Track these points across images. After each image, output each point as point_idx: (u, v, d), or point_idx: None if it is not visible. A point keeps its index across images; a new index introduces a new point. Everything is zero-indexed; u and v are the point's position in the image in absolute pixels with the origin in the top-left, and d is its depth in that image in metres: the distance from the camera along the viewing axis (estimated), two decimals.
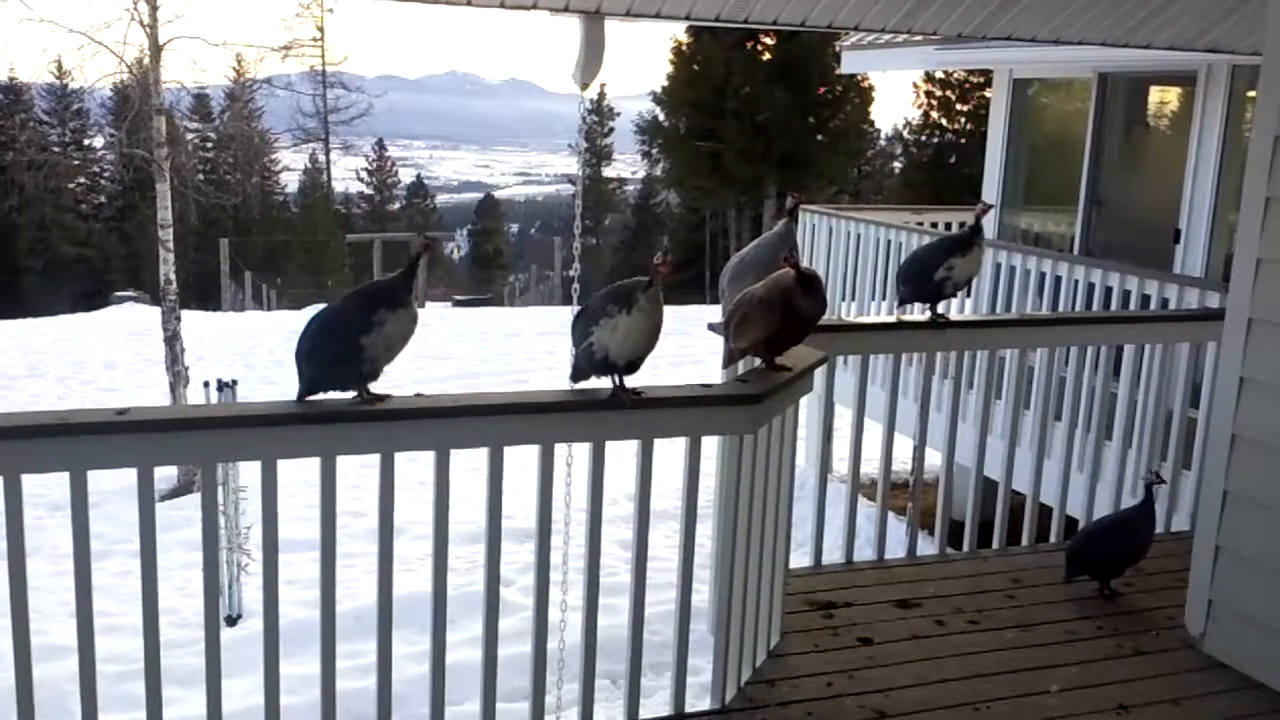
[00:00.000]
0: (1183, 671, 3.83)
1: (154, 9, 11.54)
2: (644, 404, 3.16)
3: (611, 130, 49.52)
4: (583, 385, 3.25)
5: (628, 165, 50.26)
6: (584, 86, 4.01)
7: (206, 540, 2.89)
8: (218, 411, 3.26)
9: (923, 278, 4.50)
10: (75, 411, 2.82)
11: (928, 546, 5.03)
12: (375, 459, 3.02)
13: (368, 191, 50.42)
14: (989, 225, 9.48)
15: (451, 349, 17.83)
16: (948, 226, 9.87)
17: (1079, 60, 8.06)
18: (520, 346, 18.42)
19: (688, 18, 4.09)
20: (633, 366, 3.14)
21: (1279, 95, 3.65)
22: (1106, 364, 5.07)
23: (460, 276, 47.95)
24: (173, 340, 11.42)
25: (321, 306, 3.16)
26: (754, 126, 30.53)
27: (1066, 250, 8.64)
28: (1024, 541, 4.95)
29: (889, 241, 8.48)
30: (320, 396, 2.96)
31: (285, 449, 2.89)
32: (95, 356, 17.66)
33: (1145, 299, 6.27)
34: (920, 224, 9.35)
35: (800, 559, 4.72)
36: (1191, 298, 5.99)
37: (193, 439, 2.80)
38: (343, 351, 2.87)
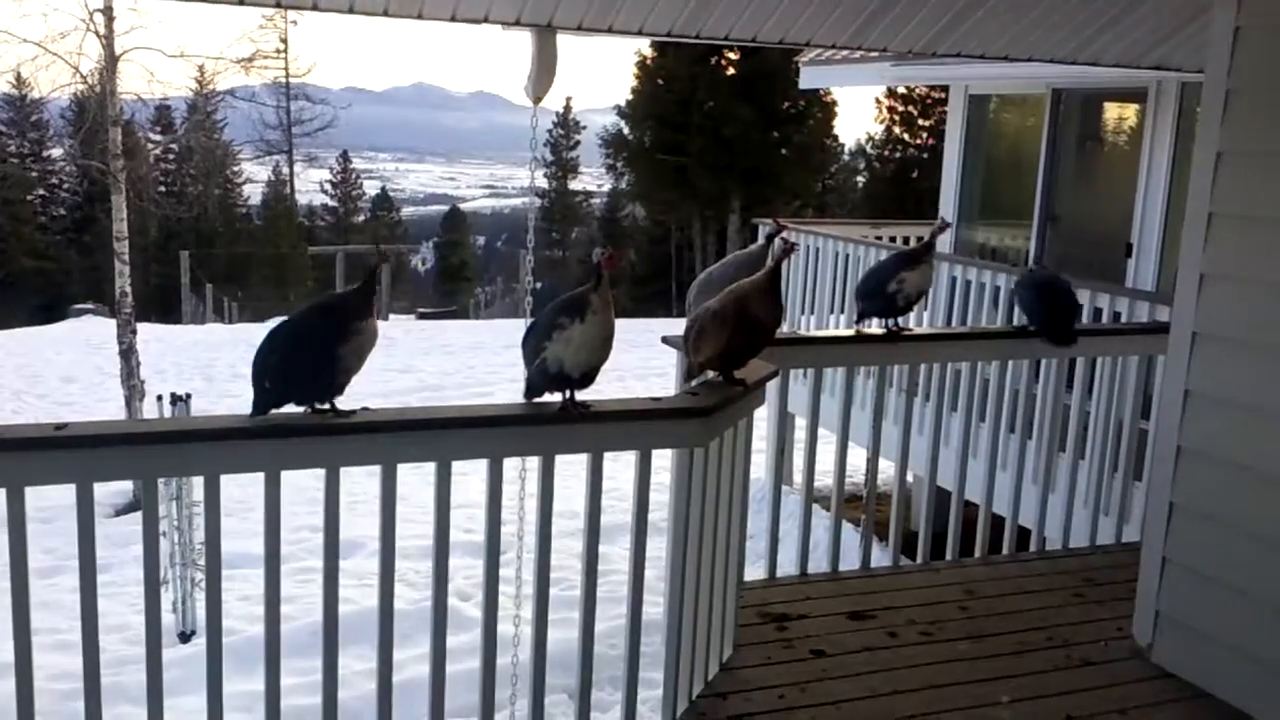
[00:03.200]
0: (1130, 682, 3.87)
1: (110, 20, 11.42)
2: (593, 417, 3.15)
3: (577, 143, 49.59)
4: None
5: (594, 178, 50.35)
6: (537, 100, 4.02)
7: (147, 557, 2.85)
8: (158, 426, 3.21)
9: (876, 292, 4.57)
10: (12, 427, 2.78)
11: (884, 557, 5.06)
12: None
13: (332, 204, 50.14)
14: (946, 239, 9.59)
15: (414, 362, 17.75)
16: (905, 240, 9.96)
17: (1033, 76, 8.17)
18: (484, 359, 18.36)
19: (640, 32, 4.11)
20: (587, 379, 3.13)
21: (1221, 113, 3.72)
22: (1059, 376, 5.13)
23: (426, 289, 47.77)
24: (128, 353, 11.28)
25: (280, 320, 3.14)
26: (718, 140, 30.71)
27: (1022, 264, 8.73)
28: (977, 553, 4.98)
29: (847, 255, 8.55)
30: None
31: (228, 464, 2.86)
32: (52, 370, 17.42)
33: (1098, 312, 6.35)
34: (879, 238, 9.42)
35: (759, 571, 4.73)
36: (1142, 311, 6.07)
37: (133, 454, 2.76)
38: (318, 363, 2.85)
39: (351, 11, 3.63)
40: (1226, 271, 3.73)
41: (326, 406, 2.93)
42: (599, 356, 3.09)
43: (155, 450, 2.79)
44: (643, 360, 16.26)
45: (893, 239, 9.80)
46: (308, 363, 2.87)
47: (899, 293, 4.45)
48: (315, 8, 3.64)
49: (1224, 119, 3.70)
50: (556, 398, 3.18)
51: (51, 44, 12.21)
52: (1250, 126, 3.64)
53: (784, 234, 4.00)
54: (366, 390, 3.00)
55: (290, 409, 2.94)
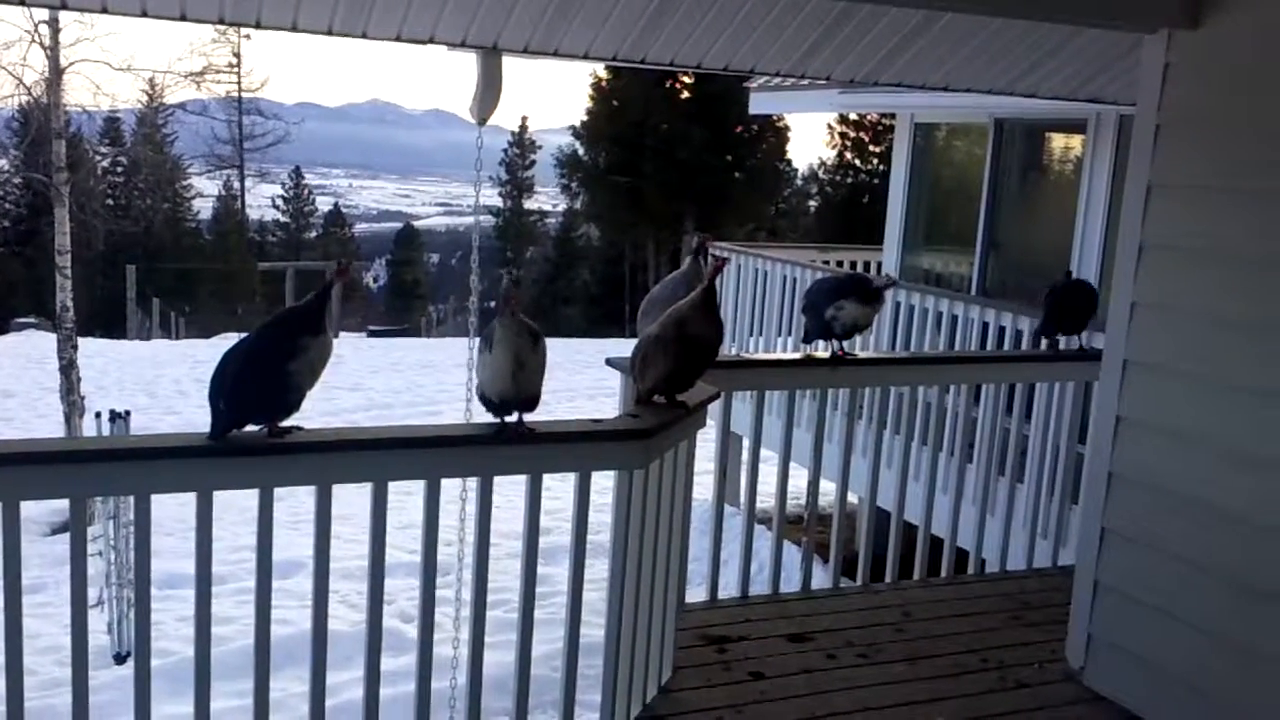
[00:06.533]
0: (1063, 704, 3.92)
1: (55, 32, 11.27)
2: (531, 438, 3.15)
3: (533, 163, 49.61)
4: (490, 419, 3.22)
5: (549, 198, 50.36)
6: (482, 121, 4.04)
7: (75, 577, 2.80)
8: (87, 445, 3.17)
9: (817, 310, 4.62)
10: None
11: (825, 579, 5.09)
12: (283, 490, 2.98)
13: (284, 220, 49.68)
14: (891, 265, 9.74)
15: (364, 380, 17.60)
16: (853, 265, 10.09)
17: (976, 106, 8.32)
18: (434, 378, 18.24)
19: (585, 56, 4.14)
20: (518, 405, 3.10)
21: (1151, 146, 3.82)
22: (998, 401, 5.21)
23: (378, 307, 47.45)
24: (68, 369, 11.09)
25: (234, 341, 3.12)
26: (672, 163, 30.92)
27: (965, 290, 8.86)
28: (916, 574, 5.03)
29: (795, 279, 8.63)
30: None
31: (158, 484, 2.82)
32: None
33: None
34: (826, 262, 9.54)
35: (701, 593, 4.74)
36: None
37: (60, 473, 2.71)
38: (271, 380, 2.83)
39: (295, 30, 3.63)
40: (1156, 301, 3.82)
41: (286, 424, 2.91)
42: (511, 388, 3.04)
43: (83, 469, 2.75)
44: (595, 381, 16.26)
45: (840, 263, 9.93)
46: (259, 381, 2.85)
47: (835, 320, 4.51)
48: (259, 25, 3.64)
49: (1154, 152, 3.80)
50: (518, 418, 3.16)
51: None
52: (1179, 160, 3.74)
53: (709, 247, 4.04)
54: (313, 409, 2.98)
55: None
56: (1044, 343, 5.38)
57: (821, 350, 4.75)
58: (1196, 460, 3.67)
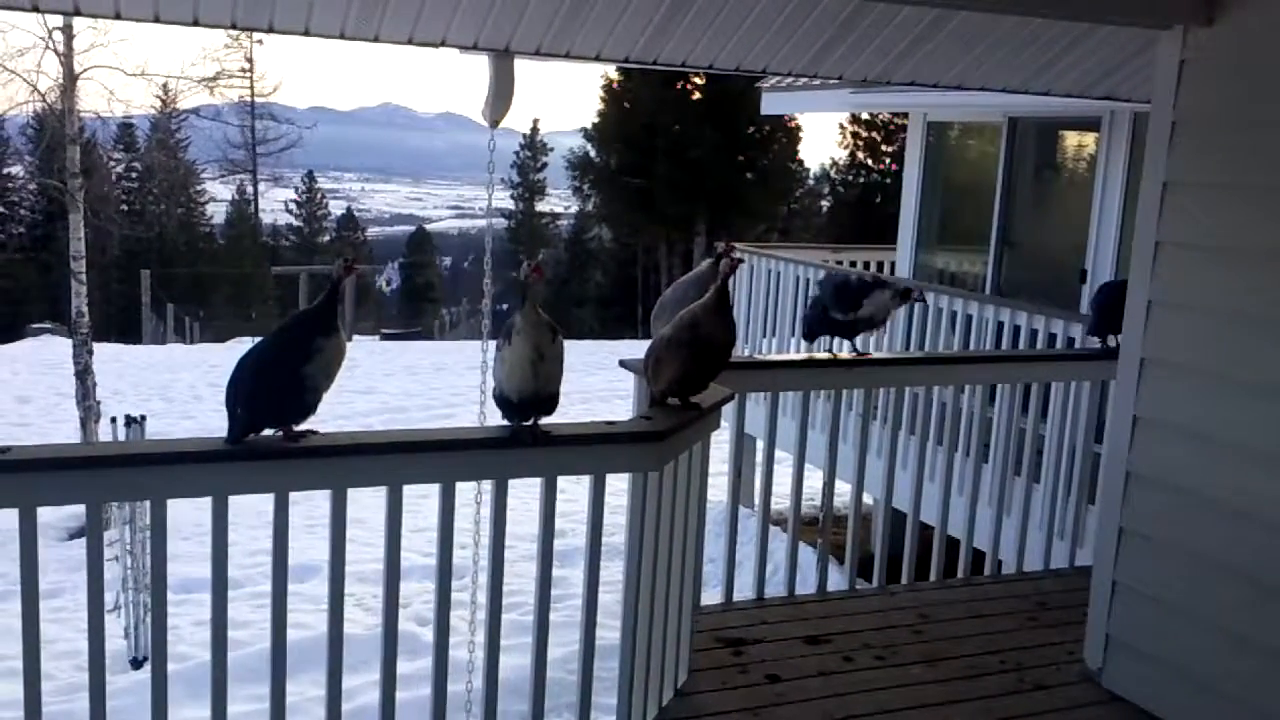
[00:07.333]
0: (1081, 705, 3.90)
1: (69, 38, 11.34)
2: (545, 441, 3.15)
3: (544, 165, 49.67)
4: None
5: (561, 200, 50.41)
6: (494, 124, 4.04)
7: (91, 583, 2.81)
8: (104, 450, 3.18)
9: (849, 303, 4.62)
10: None
11: (841, 581, 5.08)
12: (299, 495, 2.99)
13: (296, 224, 49.84)
14: (906, 264, 9.72)
15: (378, 383, 17.63)
16: (866, 265, 10.06)
17: (989, 105, 8.29)
18: (448, 381, 18.26)
19: (597, 58, 4.14)
20: (535, 405, 3.09)
21: (1167, 144, 3.79)
22: (1013, 400, 5.18)
23: (391, 310, 47.56)
24: (84, 374, 11.14)
25: (249, 346, 3.14)
26: (684, 164, 30.88)
27: (979, 289, 8.83)
28: (932, 576, 5.01)
29: (807, 280, 8.61)
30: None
31: (174, 488, 2.82)
32: (7, 390, 17.13)
33: (1052, 338, 6.43)
34: (839, 263, 9.51)
35: (717, 595, 4.73)
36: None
37: (77, 478, 2.72)
38: (286, 384, 2.84)
39: (307, 34, 3.64)
40: (1173, 299, 3.80)
41: (301, 428, 2.91)
42: (531, 381, 3.02)
43: (100, 475, 2.76)
44: (608, 383, 16.25)
45: (853, 263, 9.90)
46: (274, 385, 2.87)
47: (858, 322, 4.53)
48: (271, 29, 3.64)
49: (1169, 150, 3.78)
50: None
51: (9, 61, 12.14)
52: (1195, 158, 3.71)
53: (731, 254, 4.04)
54: (327, 412, 2.98)
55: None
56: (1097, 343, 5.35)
57: (840, 351, 4.74)
58: (1215, 459, 3.64)
